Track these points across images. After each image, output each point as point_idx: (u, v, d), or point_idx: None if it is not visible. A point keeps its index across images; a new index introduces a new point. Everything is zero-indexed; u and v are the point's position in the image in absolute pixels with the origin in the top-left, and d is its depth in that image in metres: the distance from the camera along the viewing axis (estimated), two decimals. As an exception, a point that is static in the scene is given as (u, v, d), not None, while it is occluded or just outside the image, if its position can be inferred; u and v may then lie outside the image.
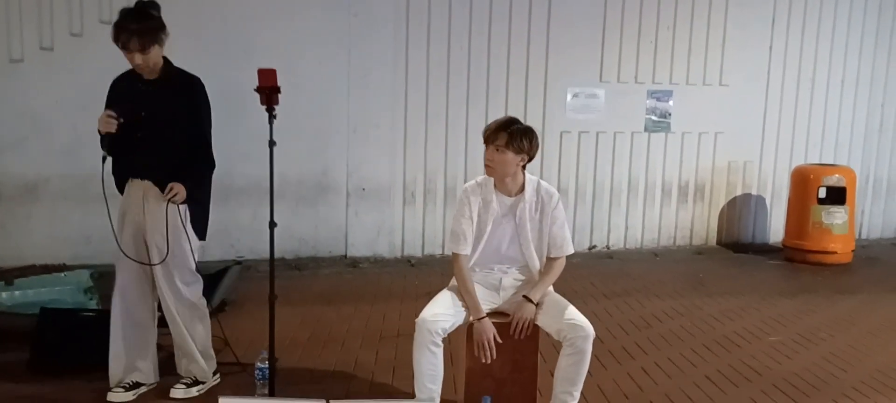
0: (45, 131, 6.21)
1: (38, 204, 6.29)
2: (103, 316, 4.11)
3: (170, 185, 3.41)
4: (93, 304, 4.63)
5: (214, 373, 3.84)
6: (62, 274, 4.77)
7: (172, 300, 3.59)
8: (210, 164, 3.61)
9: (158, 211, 3.47)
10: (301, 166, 6.77)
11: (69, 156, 6.21)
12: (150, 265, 3.56)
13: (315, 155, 6.86)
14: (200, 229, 3.64)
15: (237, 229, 6.64)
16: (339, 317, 5.21)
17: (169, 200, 3.41)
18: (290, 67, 6.30)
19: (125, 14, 3.34)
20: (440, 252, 7.23)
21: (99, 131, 3.37)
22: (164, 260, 3.49)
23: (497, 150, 3.30)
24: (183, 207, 3.53)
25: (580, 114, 7.52)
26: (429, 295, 3.48)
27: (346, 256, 7.02)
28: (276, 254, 6.47)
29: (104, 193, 3.43)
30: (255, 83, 3.31)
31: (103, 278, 5.00)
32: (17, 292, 4.49)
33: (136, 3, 3.41)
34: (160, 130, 3.45)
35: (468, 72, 7.11)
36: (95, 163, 6.20)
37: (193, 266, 3.64)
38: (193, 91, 3.52)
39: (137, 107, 3.42)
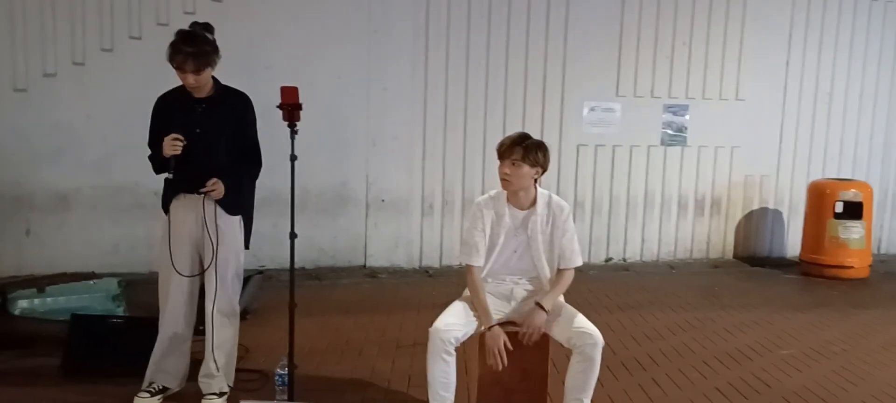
0: (77, 144, 6.42)
1: (69, 214, 6.50)
2: (132, 323, 4.29)
3: (211, 180, 3.52)
4: (120, 311, 4.80)
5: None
6: (91, 282, 4.95)
7: (223, 309, 3.70)
8: (258, 163, 3.78)
9: (227, 225, 3.65)
10: (321, 178, 6.93)
11: (100, 169, 6.44)
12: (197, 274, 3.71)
13: (335, 167, 7.01)
14: (246, 238, 3.82)
15: (258, 239, 6.62)
16: (357, 327, 5.33)
17: (205, 193, 3.54)
18: (311, 82, 6.47)
19: (182, 36, 3.48)
20: (458, 263, 7.32)
21: (164, 154, 3.49)
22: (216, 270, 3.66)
23: (513, 164, 3.42)
24: (238, 218, 3.70)
25: (596, 127, 7.61)
26: (446, 306, 3.58)
27: (364, 266, 7.16)
28: (296, 264, 6.67)
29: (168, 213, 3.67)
30: (278, 98, 3.46)
31: (131, 286, 5.20)
32: (48, 299, 4.68)
33: (192, 25, 3.57)
34: (215, 146, 3.59)
35: (486, 85, 7.24)
36: (125, 176, 6.40)
37: (242, 276, 3.85)
38: (245, 107, 3.71)
39: (193, 125, 3.57)
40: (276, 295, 5.85)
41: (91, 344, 4.12)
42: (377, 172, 7.12)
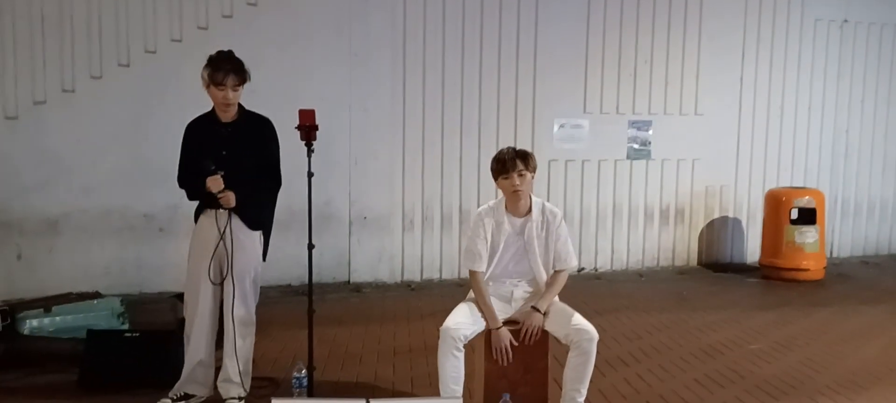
0: (67, 169, 6.52)
1: (59, 238, 6.59)
2: (147, 337, 4.45)
3: (223, 192, 3.75)
4: (125, 328, 4.96)
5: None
6: (94, 302, 5.10)
7: (241, 317, 3.92)
8: (277, 181, 4.03)
9: (248, 238, 3.88)
10: (305, 197, 7.10)
11: (89, 193, 6.55)
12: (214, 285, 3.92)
13: (319, 186, 7.03)
14: (264, 252, 4.07)
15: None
16: (352, 337, 5.55)
17: (220, 202, 3.78)
18: (293, 104, 6.69)
19: (222, 55, 3.79)
20: (438, 276, 7.62)
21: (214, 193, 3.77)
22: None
23: (520, 175, 3.74)
24: (258, 233, 3.94)
25: (566, 143, 7.99)
26: (432, 316, 3.89)
27: (349, 282, 7.39)
28: (283, 281, 6.91)
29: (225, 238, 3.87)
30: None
31: (132, 305, 5.37)
32: (56, 318, 4.82)
33: (218, 53, 3.86)
34: (239, 167, 3.82)
35: (461, 106, 7.57)
36: (115, 199, 6.53)
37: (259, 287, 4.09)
38: (268, 129, 3.97)
39: (219, 147, 3.82)
40: (268, 309, 6.02)
41: (108, 359, 4.28)
42: (359, 191, 7.36)
